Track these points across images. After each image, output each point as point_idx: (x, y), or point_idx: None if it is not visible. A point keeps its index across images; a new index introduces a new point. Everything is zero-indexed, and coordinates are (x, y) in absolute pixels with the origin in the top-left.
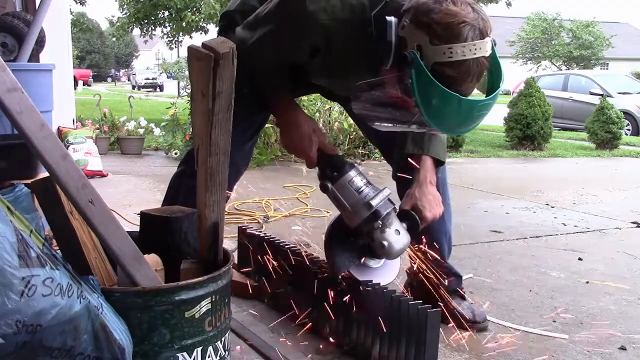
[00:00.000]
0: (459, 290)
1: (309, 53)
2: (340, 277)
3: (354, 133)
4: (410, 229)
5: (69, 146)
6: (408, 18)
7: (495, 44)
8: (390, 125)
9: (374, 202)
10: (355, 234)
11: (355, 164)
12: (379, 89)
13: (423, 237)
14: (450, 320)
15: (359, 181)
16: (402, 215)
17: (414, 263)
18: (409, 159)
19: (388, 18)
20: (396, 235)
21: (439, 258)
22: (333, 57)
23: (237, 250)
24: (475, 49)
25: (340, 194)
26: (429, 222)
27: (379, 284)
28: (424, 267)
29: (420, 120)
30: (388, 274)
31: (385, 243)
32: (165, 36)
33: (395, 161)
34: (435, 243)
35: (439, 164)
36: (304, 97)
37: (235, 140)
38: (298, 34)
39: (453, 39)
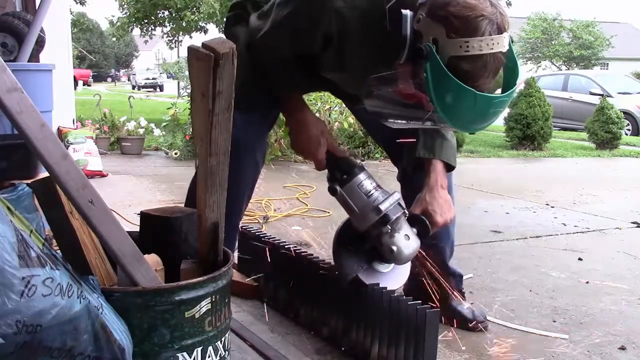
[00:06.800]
0: (459, 290)
1: (321, 44)
2: (348, 281)
3: (355, 133)
4: (420, 234)
5: (69, 146)
6: (424, 11)
7: (512, 41)
8: (403, 122)
9: (383, 207)
10: (363, 238)
11: (365, 167)
12: (392, 84)
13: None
14: (450, 320)
15: (368, 184)
16: (412, 220)
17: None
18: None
19: (403, 11)
20: (405, 240)
21: (440, 260)
22: (345, 49)
23: (237, 250)
24: (493, 44)
25: (349, 198)
26: (440, 227)
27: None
28: (425, 267)
29: (434, 116)
30: (397, 278)
31: (394, 248)
32: (166, 36)
33: (404, 164)
34: (438, 245)
35: (449, 168)
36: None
37: (256, 135)
38: (313, 21)
39: (470, 33)
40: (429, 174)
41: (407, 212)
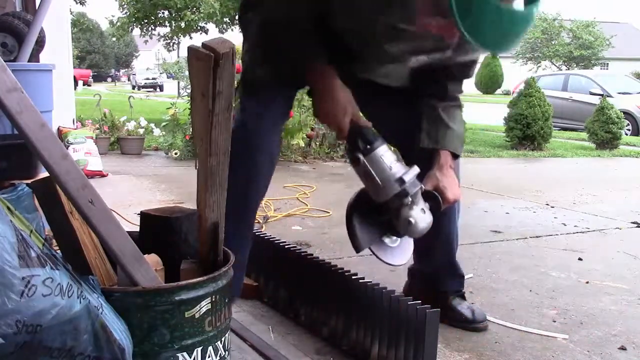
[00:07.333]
0: (460, 290)
1: None
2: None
3: None
4: (432, 209)
5: (69, 146)
6: None
7: None
8: (424, 57)
9: (406, 178)
10: (379, 210)
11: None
12: (411, 17)
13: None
14: (450, 320)
15: (390, 156)
16: (425, 196)
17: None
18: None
19: None
20: (422, 213)
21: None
22: None
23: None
24: None
25: (372, 168)
26: (451, 204)
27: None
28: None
29: (457, 44)
30: (403, 254)
31: (412, 220)
32: (163, 39)
33: (415, 158)
34: (445, 242)
35: (454, 157)
36: (305, 97)
37: (273, 127)
38: None
39: None
40: (439, 155)
41: (423, 187)
